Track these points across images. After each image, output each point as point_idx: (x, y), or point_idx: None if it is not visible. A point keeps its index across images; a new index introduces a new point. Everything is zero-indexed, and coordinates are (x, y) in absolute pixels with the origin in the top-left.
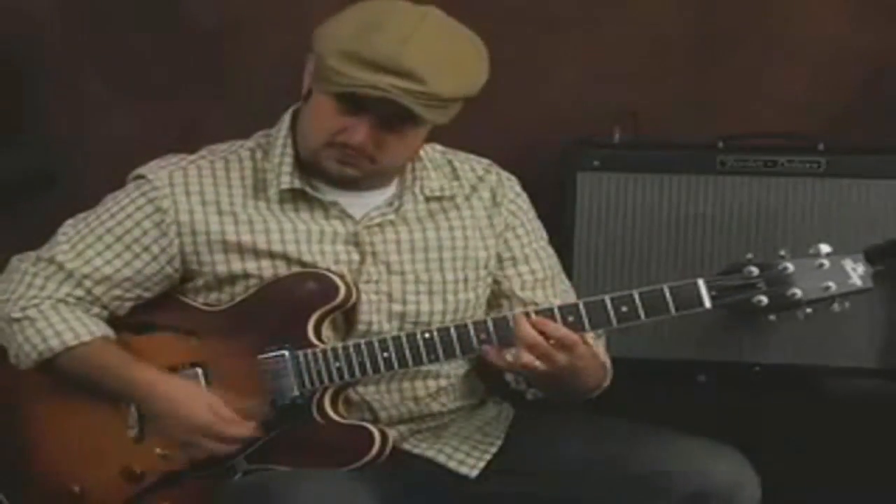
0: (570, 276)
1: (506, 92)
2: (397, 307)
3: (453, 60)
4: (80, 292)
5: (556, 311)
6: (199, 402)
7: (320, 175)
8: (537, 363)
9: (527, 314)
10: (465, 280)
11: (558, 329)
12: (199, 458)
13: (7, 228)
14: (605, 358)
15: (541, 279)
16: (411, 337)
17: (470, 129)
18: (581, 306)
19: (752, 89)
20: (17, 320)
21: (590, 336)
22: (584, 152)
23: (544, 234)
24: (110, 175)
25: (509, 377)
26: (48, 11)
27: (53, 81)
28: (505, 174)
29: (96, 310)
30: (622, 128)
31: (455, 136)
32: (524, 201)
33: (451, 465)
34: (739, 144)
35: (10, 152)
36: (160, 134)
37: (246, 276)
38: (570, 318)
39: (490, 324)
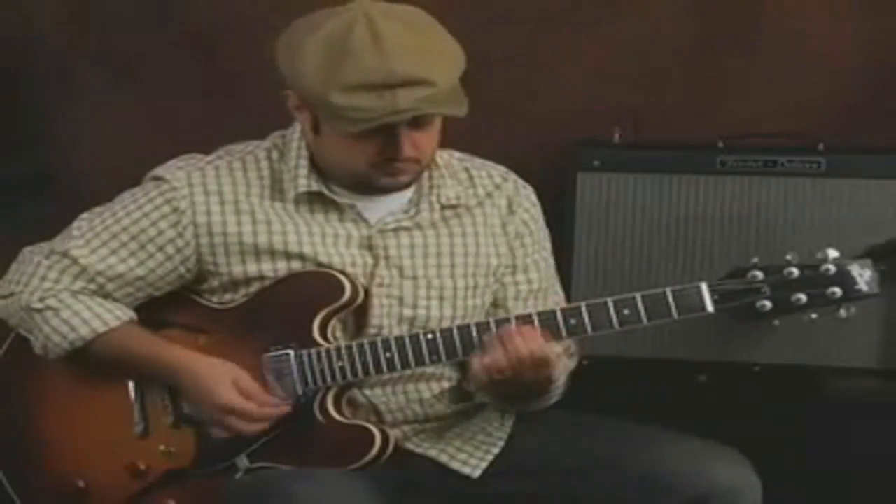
0: (570, 276)
1: (506, 92)
2: (407, 311)
3: (432, 48)
4: (93, 287)
5: (558, 313)
6: (224, 379)
7: (358, 186)
8: (508, 371)
9: (528, 316)
10: (475, 286)
11: (539, 347)
12: (230, 435)
13: (7, 228)
14: (559, 377)
15: (535, 290)
16: (414, 337)
17: (470, 128)
18: (583, 309)
19: (752, 89)
20: (39, 310)
21: (553, 353)
22: (584, 152)
23: (548, 244)
24: (110, 175)
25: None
26: (48, 11)
27: (53, 81)
28: (521, 182)
29: (111, 300)
30: (622, 128)
31: (456, 136)
32: (537, 211)
33: (454, 465)
34: (739, 144)
35: (9, 152)
36: (160, 134)
37: (261, 277)
38: (573, 321)
39: (493, 325)
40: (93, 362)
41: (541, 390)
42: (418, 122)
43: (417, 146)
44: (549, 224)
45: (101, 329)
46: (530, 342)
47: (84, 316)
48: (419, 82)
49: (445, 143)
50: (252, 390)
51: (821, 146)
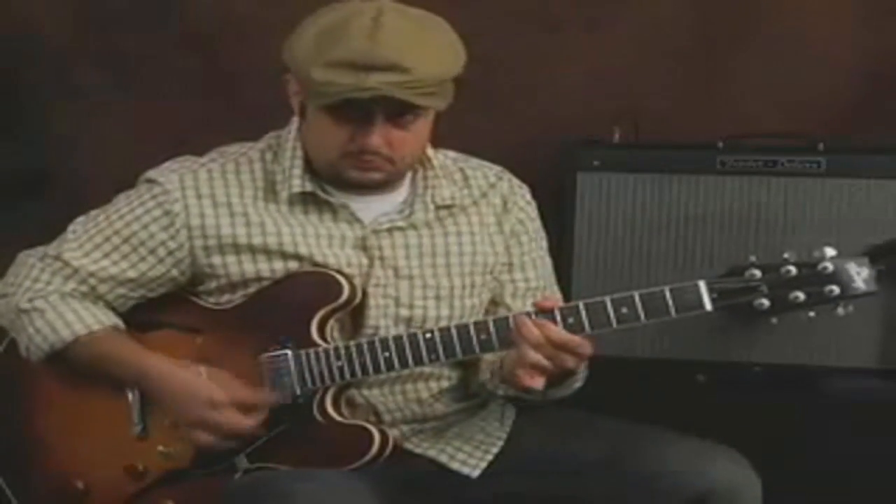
0: (569, 276)
1: (506, 92)
2: (404, 312)
3: (427, 42)
4: (84, 289)
5: (556, 312)
6: (203, 381)
7: (335, 181)
8: (545, 363)
9: (528, 314)
10: (472, 286)
11: (560, 333)
12: (220, 437)
13: (6, 228)
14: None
15: (533, 288)
16: (412, 336)
17: (470, 128)
18: (581, 307)
19: (752, 89)
20: (26, 311)
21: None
22: (584, 152)
23: (545, 244)
24: (110, 175)
25: (485, 376)
26: (48, 11)
27: (53, 81)
28: (516, 182)
29: (100, 305)
30: (622, 128)
31: (456, 136)
32: (533, 210)
33: (454, 465)
34: (739, 144)
35: (9, 152)
36: (160, 134)
37: (259, 278)
38: (570, 320)
39: (491, 324)
40: (72, 367)
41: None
42: (398, 120)
43: (392, 144)
44: (548, 224)
45: (82, 332)
46: (542, 327)
47: (67, 318)
48: (395, 68)
49: (445, 142)
50: (240, 388)
51: (821, 146)
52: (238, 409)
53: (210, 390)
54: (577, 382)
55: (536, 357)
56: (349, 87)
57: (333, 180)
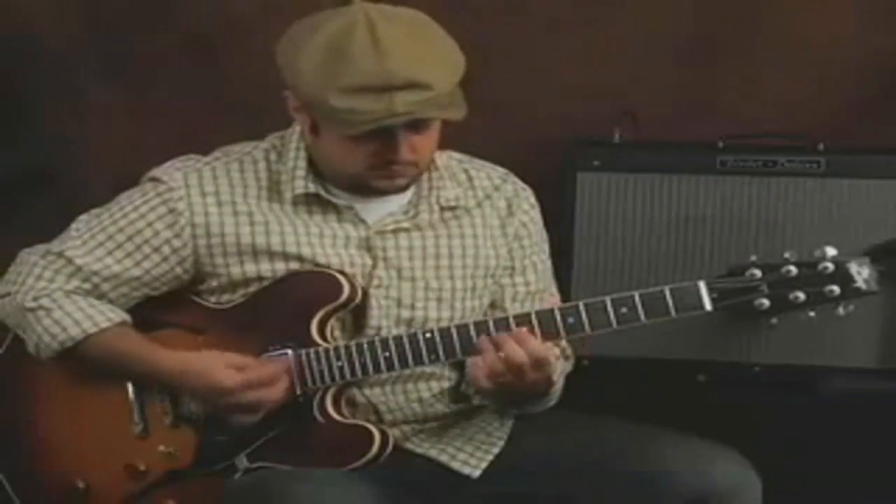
0: (569, 276)
1: (506, 92)
2: (405, 313)
3: (433, 51)
4: (87, 286)
5: (556, 312)
6: (218, 366)
7: (355, 188)
8: (509, 377)
9: (526, 315)
10: (473, 288)
11: (536, 349)
12: (255, 414)
13: (7, 228)
14: (558, 379)
15: (532, 291)
16: (413, 336)
17: (471, 129)
18: (581, 307)
19: (752, 89)
20: (32, 310)
21: (553, 354)
22: (584, 152)
23: (546, 246)
24: (110, 175)
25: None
26: (48, 11)
27: (53, 81)
28: (521, 184)
29: (104, 302)
30: (622, 128)
31: (456, 136)
32: (536, 212)
33: (454, 465)
34: (739, 144)
35: (9, 152)
36: (160, 134)
37: (260, 278)
38: (571, 320)
39: (491, 324)
40: (84, 364)
41: (541, 392)
42: (416, 126)
43: (415, 149)
44: (548, 224)
45: (92, 330)
46: (526, 344)
47: (76, 317)
48: (417, 85)
49: (445, 143)
50: (245, 362)
51: (821, 146)
52: (258, 385)
53: (223, 380)
54: (552, 400)
55: (499, 367)
56: (379, 113)
57: (352, 187)
